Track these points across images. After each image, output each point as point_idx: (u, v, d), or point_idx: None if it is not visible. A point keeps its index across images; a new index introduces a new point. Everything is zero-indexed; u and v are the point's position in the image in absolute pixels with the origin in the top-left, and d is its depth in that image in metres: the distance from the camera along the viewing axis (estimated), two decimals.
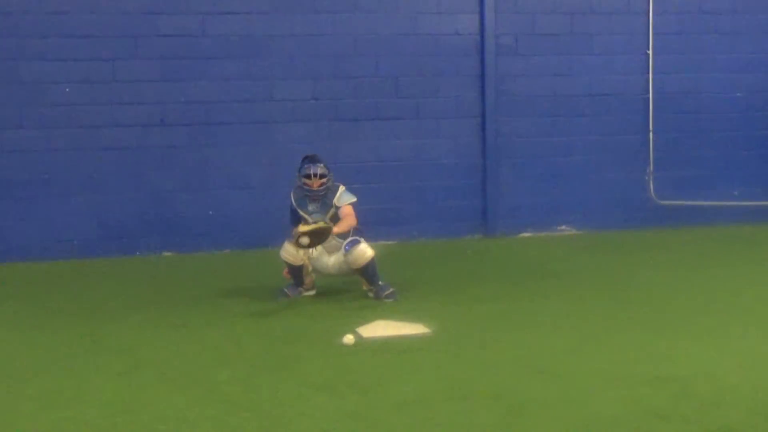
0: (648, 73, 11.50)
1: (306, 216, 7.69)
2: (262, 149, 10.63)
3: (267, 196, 10.55)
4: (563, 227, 11.45)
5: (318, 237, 7.42)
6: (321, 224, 7.43)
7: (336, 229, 7.52)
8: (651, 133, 11.54)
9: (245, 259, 10.10)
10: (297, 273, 7.74)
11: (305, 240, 7.32)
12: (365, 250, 7.52)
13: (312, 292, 7.94)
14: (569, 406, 4.86)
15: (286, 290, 7.82)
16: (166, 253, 10.41)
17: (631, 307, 7.20)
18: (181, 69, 10.35)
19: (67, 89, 10.08)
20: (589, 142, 11.48)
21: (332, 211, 7.67)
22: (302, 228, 7.38)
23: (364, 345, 6.15)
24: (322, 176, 7.67)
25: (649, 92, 11.51)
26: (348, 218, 7.67)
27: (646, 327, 6.50)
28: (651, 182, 11.55)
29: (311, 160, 7.80)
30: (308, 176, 7.67)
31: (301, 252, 7.54)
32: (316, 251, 7.70)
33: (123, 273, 9.44)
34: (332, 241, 7.66)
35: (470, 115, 11.16)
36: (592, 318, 6.83)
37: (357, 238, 7.60)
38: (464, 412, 4.81)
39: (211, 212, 10.56)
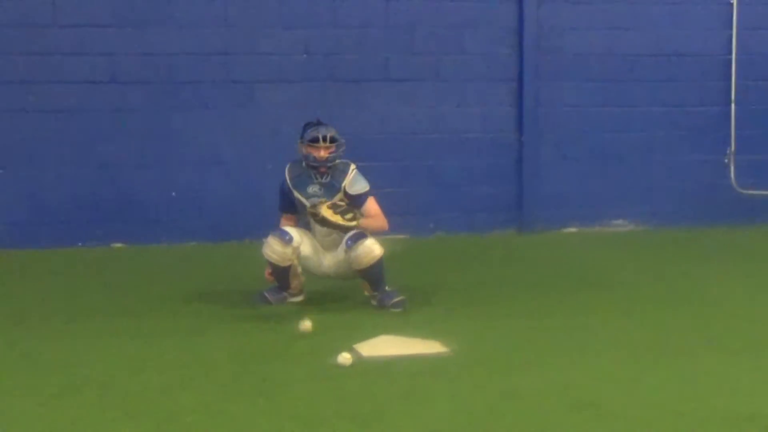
0: (731, 28, 11.48)
1: (303, 200, 7.67)
2: (240, 115, 10.63)
3: (245, 174, 10.60)
4: (619, 222, 11.44)
5: (329, 226, 7.47)
6: (352, 222, 7.42)
7: (364, 223, 7.54)
8: (733, 105, 11.54)
9: (216, 254, 10.11)
10: (282, 274, 7.72)
11: (320, 218, 7.40)
12: (372, 248, 7.49)
13: (299, 298, 7.91)
14: None
15: (267, 295, 7.80)
16: (117, 245, 10.41)
17: (704, 326, 7.16)
18: (139, 11, 10.34)
19: None
20: (654, 114, 11.49)
21: (338, 196, 7.64)
22: (327, 212, 7.37)
23: (363, 366, 6.12)
24: (332, 141, 7.63)
25: (731, 53, 11.49)
26: (378, 219, 7.68)
27: (724, 351, 6.46)
28: (732, 166, 11.53)
29: (317, 124, 7.76)
30: (315, 140, 7.61)
31: (290, 249, 7.52)
32: (307, 248, 7.68)
33: (61, 269, 9.44)
34: (332, 235, 7.64)
35: (504, 77, 11.17)
36: (654, 339, 6.79)
37: (361, 231, 7.57)
38: None
39: (174, 194, 10.58)
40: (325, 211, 7.41)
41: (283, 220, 7.89)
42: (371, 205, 7.70)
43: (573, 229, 11.33)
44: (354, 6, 10.78)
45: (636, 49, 11.41)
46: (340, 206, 7.51)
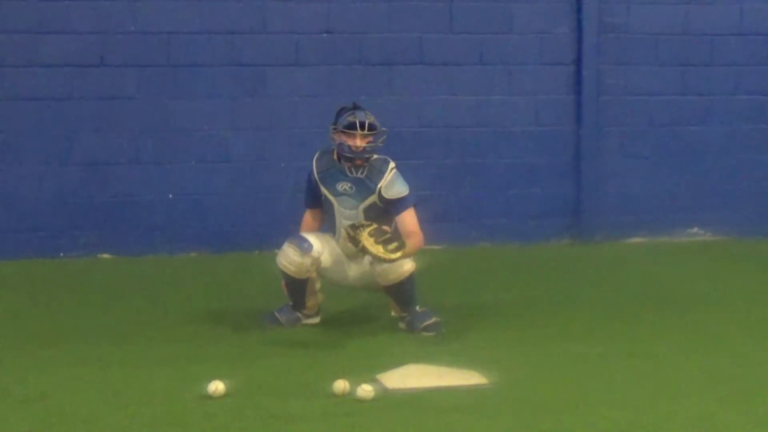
0: None
1: (330, 198, 7.67)
2: (250, 105, 10.67)
3: (255, 174, 10.66)
4: (695, 230, 11.40)
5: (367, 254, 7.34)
6: (394, 255, 7.25)
7: (405, 255, 7.34)
8: None
9: (220, 266, 10.15)
10: (298, 290, 7.73)
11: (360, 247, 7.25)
12: (400, 262, 7.43)
13: (315, 320, 7.93)
14: None
15: (277, 315, 7.82)
16: (104, 255, 10.46)
17: None
18: None
19: None
20: (738, 104, 11.48)
21: (372, 198, 7.60)
22: (368, 242, 7.19)
23: (388, 400, 6.10)
24: (371, 128, 7.57)
25: None
26: (413, 238, 7.51)
27: None
28: None
29: (354, 108, 7.68)
30: (351, 126, 7.53)
31: (309, 260, 7.52)
32: (329, 258, 7.69)
33: (38, 283, 9.49)
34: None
35: (559, 60, 11.17)
36: (733, 371, 6.75)
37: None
38: None
39: (171, 196, 10.60)
40: (366, 240, 7.24)
41: (307, 217, 7.91)
42: (409, 218, 7.60)
43: (640, 239, 11.30)
44: None
45: (717, 28, 11.37)
46: (384, 234, 7.34)
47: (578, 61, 11.10)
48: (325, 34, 10.69)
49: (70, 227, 10.41)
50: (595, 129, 11.15)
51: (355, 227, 7.34)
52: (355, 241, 7.28)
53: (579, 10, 11.03)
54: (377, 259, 7.29)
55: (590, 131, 11.14)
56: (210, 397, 6.05)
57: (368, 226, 7.36)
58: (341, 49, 10.75)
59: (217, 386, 6.10)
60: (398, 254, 7.28)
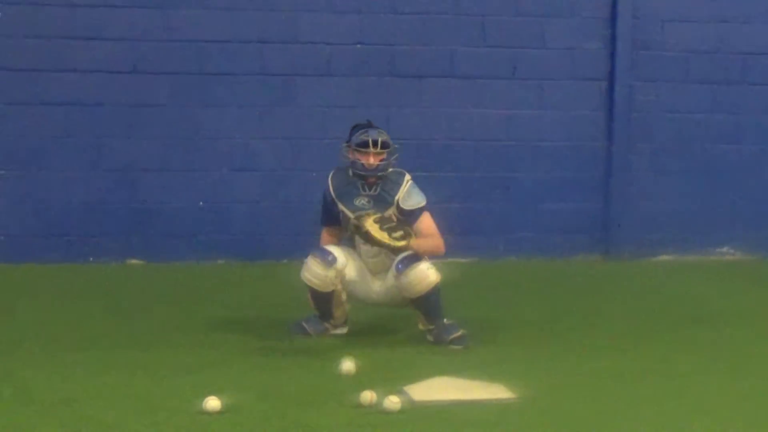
0: None
1: (348, 214, 7.63)
2: (279, 114, 10.68)
3: (284, 183, 10.68)
4: (725, 249, 11.37)
5: (372, 243, 7.38)
6: (400, 243, 7.31)
7: (416, 244, 7.42)
8: None
9: (248, 275, 10.18)
10: (324, 302, 7.72)
11: (363, 232, 7.29)
12: (426, 273, 7.45)
13: (343, 330, 7.91)
14: None
15: (305, 325, 7.81)
16: (133, 261, 10.49)
17: None
18: None
19: None
20: None
21: (390, 210, 7.60)
22: (373, 227, 7.27)
23: (414, 412, 6.07)
24: (384, 146, 7.59)
25: None
26: (433, 239, 7.58)
27: None
28: None
29: (368, 126, 7.72)
30: (364, 144, 7.56)
31: (333, 272, 7.50)
32: (353, 271, 7.66)
33: (67, 288, 9.49)
34: (379, 256, 7.61)
35: (591, 76, 11.17)
36: (765, 390, 6.68)
37: (413, 253, 7.51)
38: None
39: (201, 203, 10.63)
40: (371, 226, 7.32)
41: (324, 236, 7.88)
42: (426, 221, 7.61)
43: (669, 257, 11.27)
44: None
45: (750, 46, 11.35)
46: (390, 222, 7.43)
47: (610, 77, 11.10)
48: (357, 45, 10.70)
49: (99, 233, 10.44)
50: (626, 145, 11.14)
51: (359, 216, 7.38)
52: (359, 228, 7.31)
53: (612, 26, 11.03)
54: (383, 247, 7.33)
55: (621, 147, 11.13)
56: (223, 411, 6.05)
57: (372, 214, 7.40)
58: (372, 60, 10.76)
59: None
60: (403, 242, 7.33)
